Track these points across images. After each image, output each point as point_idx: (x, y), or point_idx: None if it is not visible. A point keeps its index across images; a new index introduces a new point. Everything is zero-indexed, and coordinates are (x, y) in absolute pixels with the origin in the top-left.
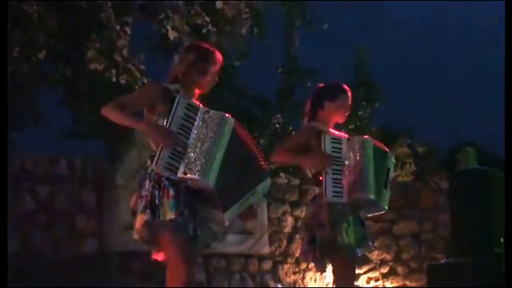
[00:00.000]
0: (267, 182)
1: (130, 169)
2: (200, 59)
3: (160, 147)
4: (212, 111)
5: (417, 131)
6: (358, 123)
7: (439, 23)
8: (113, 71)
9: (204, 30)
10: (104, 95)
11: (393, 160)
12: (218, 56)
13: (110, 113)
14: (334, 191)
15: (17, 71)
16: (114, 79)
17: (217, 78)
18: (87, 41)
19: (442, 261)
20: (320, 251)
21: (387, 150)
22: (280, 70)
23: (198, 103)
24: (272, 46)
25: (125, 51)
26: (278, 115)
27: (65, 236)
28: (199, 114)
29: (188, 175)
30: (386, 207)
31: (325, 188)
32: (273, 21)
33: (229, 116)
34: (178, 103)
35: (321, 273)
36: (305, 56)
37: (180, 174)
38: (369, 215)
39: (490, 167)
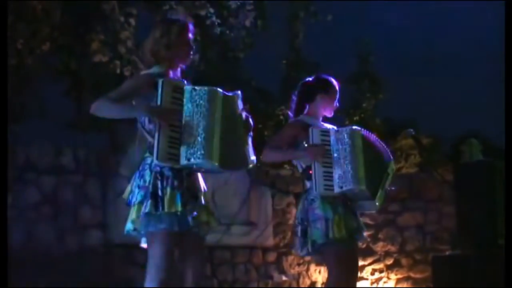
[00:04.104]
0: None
1: (134, 161)
2: (165, 33)
3: (156, 137)
4: (198, 87)
5: (421, 123)
6: (362, 115)
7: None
8: (117, 62)
9: (208, 22)
10: (108, 87)
11: (393, 167)
12: (188, 24)
13: (102, 107)
14: (325, 185)
15: (21, 63)
16: (118, 71)
17: (193, 46)
18: (91, 33)
19: (446, 253)
20: (312, 246)
21: (390, 157)
22: (284, 62)
23: (183, 81)
24: (276, 38)
25: (129, 43)
26: (282, 107)
27: (70, 228)
28: (186, 94)
29: (192, 161)
30: (377, 205)
31: (315, 182)
32: (277, 13)
33: (217, 88)
34: (162, 87)
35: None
36: (309, 48)
37: (183, 161)
38: (362, 212)
39: (494, 158)
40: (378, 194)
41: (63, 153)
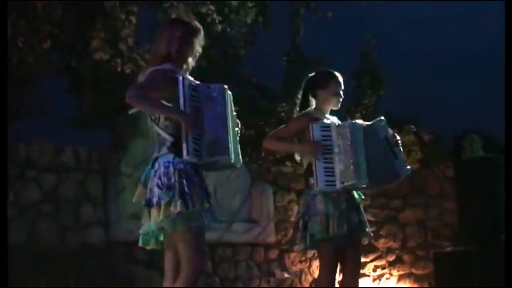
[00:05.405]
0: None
1: (135, 158)
2: (186, 34)
3: (184, 134)
4: (211, 85)
5: (422, 119)
6: (364, 112)
7: (446, 9)
8: (118, 60)
9: (209, 19)
10: (109, 84)
11: (384, 123)
12: (199, 27)
13: (139, 99)
14: (326, 181)
15: (22, 61)
16: (119, 69)
17: (201, 50)
18: (92, 31)
19: (448, 249)
20: (311, 240)
21: (378, 119)
22: (285, 59)
23: (194, 80)
24: (277, 35)
25: (130, 41)
26: (284, 104)
27: (71, 225)
28: (200, 91)
29: (216, 157)
30: (400, 176)
31: (317, 178)
32: (278, 10)
33: (227, 86)
34: (183, 84)
35: None
36: (310, 44)
37: (207, 158)
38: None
39: (496, 154)
40: (385, 170)
41: (64, 150)
